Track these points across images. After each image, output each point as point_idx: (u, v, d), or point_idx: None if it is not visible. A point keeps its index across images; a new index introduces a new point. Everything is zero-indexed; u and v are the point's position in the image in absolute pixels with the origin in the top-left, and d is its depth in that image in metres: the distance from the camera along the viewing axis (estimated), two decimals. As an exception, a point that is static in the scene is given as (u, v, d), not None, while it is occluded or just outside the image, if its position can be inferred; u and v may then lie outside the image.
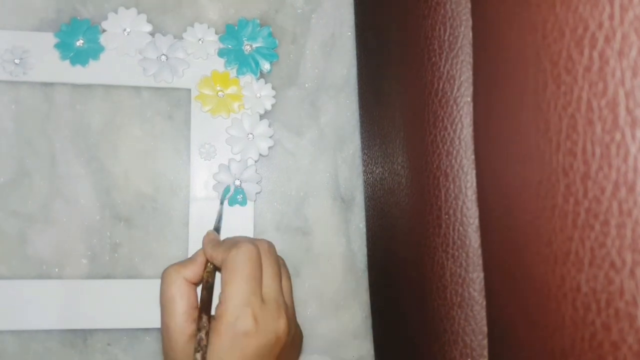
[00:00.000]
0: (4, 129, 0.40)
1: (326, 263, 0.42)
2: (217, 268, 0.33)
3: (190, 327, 0.31)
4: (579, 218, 0.18)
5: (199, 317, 0.31)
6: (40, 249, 0.39)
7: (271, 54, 0.41)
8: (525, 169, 0.21)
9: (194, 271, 0.33)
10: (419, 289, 0.30)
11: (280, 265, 0.34)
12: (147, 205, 0.41)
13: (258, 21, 0.41)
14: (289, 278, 0.35)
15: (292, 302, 0.34)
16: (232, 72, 0.41)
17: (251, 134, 0.41)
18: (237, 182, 0.40)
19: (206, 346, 0.30)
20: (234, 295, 0.30)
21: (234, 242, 0.32)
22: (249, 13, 0.42)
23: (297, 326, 0.35)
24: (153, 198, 0.41)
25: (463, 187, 0.26)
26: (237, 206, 0.40)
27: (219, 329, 0.30)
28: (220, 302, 0.30)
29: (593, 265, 0.18)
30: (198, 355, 0.29)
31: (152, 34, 0.41)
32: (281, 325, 0.31)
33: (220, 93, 0.41)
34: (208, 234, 0.35)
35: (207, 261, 0.33)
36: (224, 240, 0.34)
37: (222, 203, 0.39)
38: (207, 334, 0.30)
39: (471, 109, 0.26)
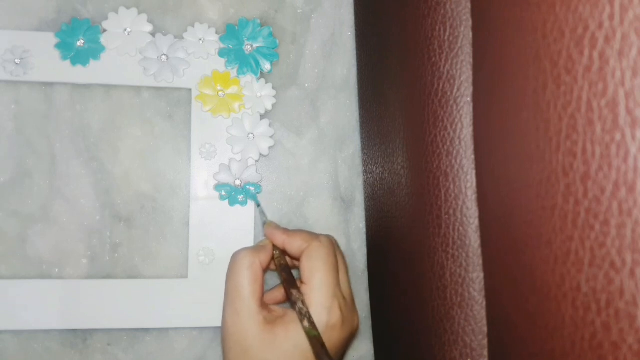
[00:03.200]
0: (4, 129, 0.40)
1: (326, 263, 0.42)
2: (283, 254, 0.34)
3: (262, 313, 0.30)
4: (579, 218, 0.18)
5: (289, 293, 0.30)
6: (40, 249, 0.39)
7: (272, 53, 0.41)
8: (525, 169, 0.21)
9: (267, 257, 0.33)
10: (419, 289, 0.30)
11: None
12: (147, 205, 0.41)
13: (258, 21, 0.41)
14: (347, 272, 0.35)
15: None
16: (233, 72, 0.41)
17: (252, 133, 0.41)
18: (238, 182, 0.40)
19: (308, 312, 0.29)
20: (322, 287, 0.30)
21: (310, 234, 0.33)
22: (249, 13, 0.42)
23: None
24: (153, 198, 0.41)
25: (463, 187, 0.26)
26: (237, 206, 0.40)
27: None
28: (304, 293, 0.30)
29: (593, 265, 0.18)
30: (305, 323, 0.28)
31: (152, 33, 0.41)
32: (356, 319, 0.32)
33: (220, 93, 0.41)
34: (269, 223, 0.36)
35: (273, 248, 0.34)
36: (295, 230, 0.35)
37: (259, 205, 0.40)
38: (304, 302, 0.29)
39: (471, 109, 0.26)
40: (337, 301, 0.30)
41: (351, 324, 0.31)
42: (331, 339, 0.30)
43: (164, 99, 0.41)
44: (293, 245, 0.33)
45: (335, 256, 0.32)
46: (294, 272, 0.34)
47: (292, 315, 0.30)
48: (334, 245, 0.33)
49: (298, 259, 0.34)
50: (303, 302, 0.29)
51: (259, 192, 0.41)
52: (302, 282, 0.32)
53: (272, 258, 0.34)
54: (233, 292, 0.31)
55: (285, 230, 0.35)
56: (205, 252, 0.40)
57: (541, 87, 0.20)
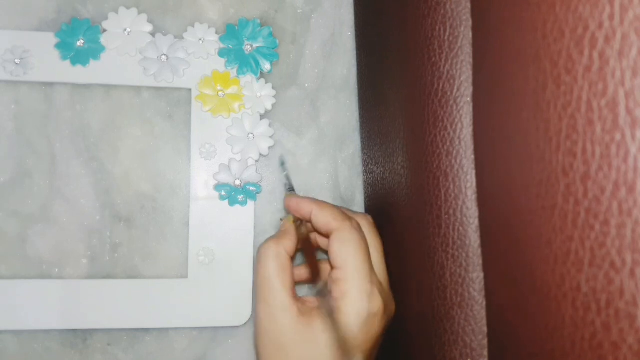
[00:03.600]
0: (4, 129, 0.40)
1: (326, 263, 0.42)
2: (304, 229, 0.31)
3: (296, 305, 0.28)
4: (579, 218, 0.18)
5: (315, 282, 0.28)
6: (40, 249, 0.39)
7: (271, 53, 0.41)
8: (525, 169, 0.21)
9: (292, 241, 0.30)
10: (419, 289, 0.30)
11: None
12: (147, 205, 0.41)
13: (258, 21, 0.41)
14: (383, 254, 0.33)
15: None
16: (233, 72, 0.41)
17: (252, 133, 0.41)
18: (238, 182, 0.40)
19: (334, 301, 0.27)
20: (359, 274, 0.28)
21: (343, 214, 0.30)
22: (249, 13, 0.42)
23: None
24: (153, 198, 0.41)
25: (463, 187, 0.26)
26: (237, 206, 0.40)
27: (345, 308, 0.27)
28: (337, 279, 0.28)
29: (593, 265, 0.18)
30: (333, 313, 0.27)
31: (152, 33, 0.41)
32: (392, 307, 0.30)
33: (220, 93, 0.41)
34: (289, 195, 0.33)
35: (296, 225, 0.31)
36: (324, 202, 0.32)
37: (283, 164, 0.38)
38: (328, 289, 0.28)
39: (471, 109, 0.26)
40: (376, 287, 0.28)
41: (391, 310, 0.29)
42: (374, 328, 0.28)
43: (164, 99, 0.41)
44: (321, 219, 0.30)
45: (366, 240, 0.30)
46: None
47: (333, 305, 0.28)
48: (367, 227, 0.31)
49: (325, 235, 0.31)
50: (325, 299, 0.27)
51: (259, 192, 0.41)
52: (332, 267, 0.30)
53: (299, 239, 0.31)
54: (263, 285, 0.29)
55: (315, 201, 0.31)
56: (205, 252, 0.40)
57: (541, 87, 0.20)
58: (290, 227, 0.32)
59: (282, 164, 0.38)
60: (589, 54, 0.17)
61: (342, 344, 0.26)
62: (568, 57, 0.18)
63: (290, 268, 0.30)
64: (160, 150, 0.41)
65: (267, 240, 0.31)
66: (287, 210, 0.34)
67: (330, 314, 0.27)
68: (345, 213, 0.31)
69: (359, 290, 0.28)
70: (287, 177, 0.37)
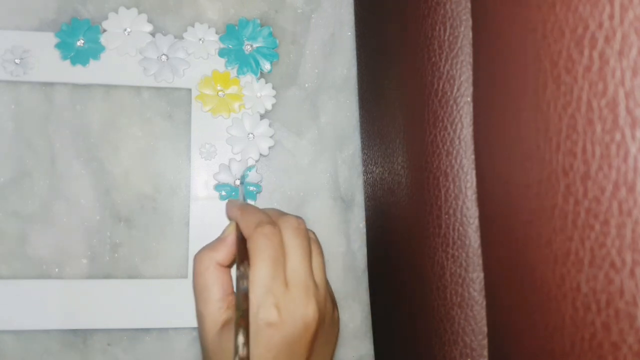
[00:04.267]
0: (4, 129, 0.40)
1: (326, 263, 0.42)
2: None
3: (224, 315, 0.29)
4: (579, 218, 0.18)
5: (239, 266, 0.29)
6: (40, 249, 0.39)
7: (272, 53, 0.41)
8: (525, 169, 0.21)
9: (226, 252, 0.31)
10: (419, 289, 0.30)
11: (309, 243, 0.31)
12: (147, 205, 0.41)
13: (258, 21, 0.41)
14: (320, 254, 0.32)
15: (325, 280, 0.32)
16: (233, 72, 0.41)
17: (252, 133, 0.41)
18: (238, 182, 0.40)
19: (244, 292, 0.28)
20: (255, 283, 0.28)
21: (258, 220, 0.30)
22: (249, 13, 0.42)
23: (334, 304, 0.33)
24: (153, 198, 0.41)
25: (463, 187, 0.26)
26: (237, 206, 0.40)
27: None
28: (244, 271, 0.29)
29: (593, 265, 0.18)
30: (238, 303, 0.27)
31: (152, 33, 0.41)
32: (309, 312, 0.29)
33: (220, 93, 0.41)
34: (230, 200, 0.34)
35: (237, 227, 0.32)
36: (250, 208, 0.32)
37: (242, 183, 0.39)
38: (244, 280, 0.28)
39: (471, 109, 0.26)
40: (272, 297, 0.28)
41: (299, 319, 0.28)
42: (273, 338, 0.28)
43: (164, 99, 0.41)
44: (242, 227, 0.31)
45: (277, 244, 0.29)
46: None
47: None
48: (278, 233, 0.30)
49: None
50: (240, 282, 0.28)
51: (259, 192, 0.41)
52: None
53: (238, 239, 0.31)
54: (196, 294, 0.30)
55: (241, 207, 0.32)
56: (205, 252, 0.40)
57: (541, 87, 0.20)
58: (229, 233, 0.32)
59: (242, 182, 0.39)
60: (589, 54, 0.17)
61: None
62: (568, 57, 0.18)
63: (223, 278, 0.30)
64: (160, 150, 0.41)
65: (202, 250, 0.31)
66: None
67: (239, 304, 0.28)
68: (262, 219, 0.31)
69: (251, 300, 0.28)
70: (242, 195, 0.38)
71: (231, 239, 0.32)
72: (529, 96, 0.21)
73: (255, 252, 0.29)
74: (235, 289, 0.29)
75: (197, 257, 0.31)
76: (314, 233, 0.34)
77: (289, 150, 0.42)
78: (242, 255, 0.30)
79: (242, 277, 0.28)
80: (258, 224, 0.30)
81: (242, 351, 0.26)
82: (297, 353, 0.29)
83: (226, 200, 0.35)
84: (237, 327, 0.27)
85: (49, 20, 0.40)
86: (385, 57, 0.35)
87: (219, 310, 0.30)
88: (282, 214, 0.33)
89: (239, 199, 0.38)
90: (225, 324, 0.29)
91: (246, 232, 0.30)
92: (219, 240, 0.32)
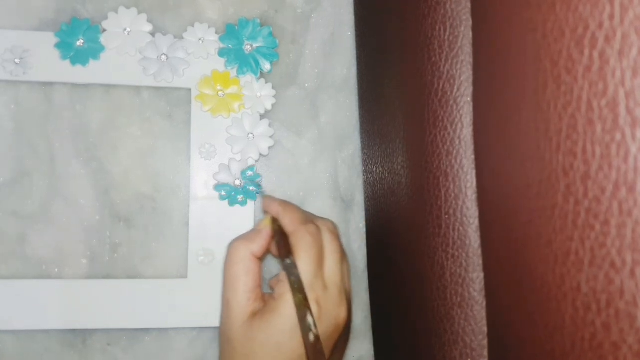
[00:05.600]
0: (4, 129, 0.39)
1: (326, 263, 0.42)
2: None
3: (252, 306, 0.30)
4: (579, 218, 0.18)
5: (283, 258, 0.30)
6: (40, 249, 0.39)
7: (271, 53, 0.41)
8: (525, 169, 0.21)
9: (261, 245, 0.32)
10: (419, 289, 0.30)
11: (343, 248, 0.33)
12: (147, 205, 0.41)
13: (258, 21, 0.41)
14: (347, 261, 0.34)
15: (350, 287, 0.33)
16: (233, 72, 0.41)
17: (251, 133, 0.41)
18: (238, 182, 0.40)
19: (298, 281, 0.29)
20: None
21: (304, 218, 0.31)
22: (249, 13, 0.42)
23: (351, 313, 0.34)
24: (153, 198, 0.41)
25: (463, 187, 0.26)
26: (237, 206, 0.40)
27: (280, 310, 0.29)
28: (281, 281, 0.30)
29: (593, 265, 0.18)
30: (296, 294, 0.28)
31: (152, 33, 0.41)
32: (342, 312, 0.30)
33: (220, 93, 0.41)
34: (266, 196, 0.35)
35: (273, 221, 0.33)
36: (292, 205, 0.33)
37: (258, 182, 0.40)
38: (294, 271, 0.29)
39: (471, 109, 0.26)
40: (314, 293, 0.29)
41: (333, 318, 0.30)
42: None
43: (163, 99, 0.41)
44: (284, 222, 0.32)
45: (320, 244, 0.31)
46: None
47: (272, 305, 0.29)
48: (327, 234, 0.31)
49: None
50: (292, 271, 0.29)
51: (259, 192, 0.41)
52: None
53: (272, 237, 0.32)
54: (227, 283, 0.31)
55: (282, 203, 0.33)
56: (205, 252, 0.40)
57: (541, 87, 0.20)
58: (265, 227, 0.33)
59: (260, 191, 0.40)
60: (589, 54, 0.17)
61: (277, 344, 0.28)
62: (568, 57, 0.18)
63: (255, 270, 0.31)
64: (160, 150, 0.41)
65: (237, 239, 0.32)
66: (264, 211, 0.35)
67: (289, 290, 0.29)
68: (305, 217, 0.32)
69: (277, 295, 0.29)
70: (259, 184, 0.39)
71: (267, 231, 0.32)
72: (529, 96, 0.21)
73: (300, 247, 0.30)
74: (287, 276, 0.30)
75: (232, 246, 0.31)
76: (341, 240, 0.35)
77: (289, 150, 0.42)
78: (287, 247, 0.30)
79: (292, 266, 0.29)
80: (304, 221, 0.31)
81: (314, 330, 0.28)
82: (325, 349, 0.30)
83: (261, 196, 0.36)
84: (303, 310, 0.28)
85: (49, 20, 0.40)
86: (385, 57, 0.35)
87: (247, 300, 0.30)
88: (315, 215, 0.34)
89: (259, 192, 0.38)
90: (254, 315, 0.30)
91: (290, 228, 0.31)
92: (256, 232, 0.32)
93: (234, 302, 0.30)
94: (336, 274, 0.31)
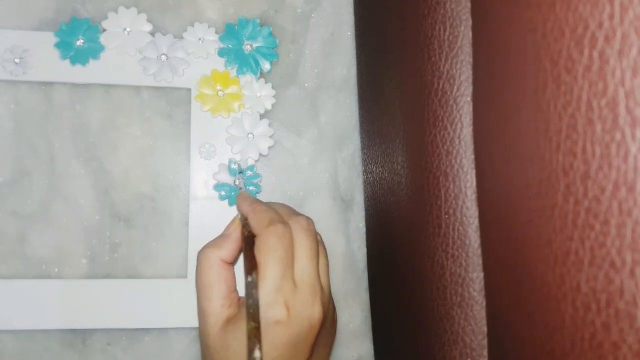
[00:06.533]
0: (4, 129, 0.39)
1: (326, 263, 0.42)
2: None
3: (227, 313, 0.29)
4: (579, 218, 0.18)
5: (249, 274, 0.28)
6: (40, 249, 0.39)
7: (271, 53, 0.41)
8: (525, 169, 0.21)
9: (231, 249, 0.31)
10: (419, 289, 0.30)
11: (318, 244, 0.32)
12: (147, 205, 0.41)
13: (258, 21, 0.41)
14: (326, 257, 0.33)
15: (329, 283, 0.32)
16: (233, 72, 0.41)
17: (251, 133, 0.41)
18: (238, 182, 0.40)
19: (255, 302, 0.28)
20: (265, 282, 0.28)
21: (270, 219, 0.30)
22: (249, 13, 0.42)
23: (333, 307, 0.33)
24: (153, 198, 0.41)
25: (463, 187, 0.26)
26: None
27: (245, 314, 0.28)
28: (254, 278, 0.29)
29: (593, 265, 0.18)
30: (249, 311, 0.27)
31: (152, 33, 0.41)
32: (316, 312, 0.29)
33: (220, 93, 0.41)
34: (242, 193, 0.34)
35: (243, 223, 0.32)
36: (262, 205, 0.32)
37: (240, 172, 0.39)
38: (254, 289, 0.28)
39: (471, 109, 0.26)
40: (282, 296, 0.28)
41: (306, 319, 0.29)
42: (280, 337, 0.28)
43: (163, 99, 0.41)
44: (252, 224, 0.31)
45: (288, 243, 0.29)
46: None
47: (244, 311, 0.29)
48: (289, 233, 0.30)
49: None
50: (251, 293, 0.28)
51: (259, 192, 0.41)
52: None
53: (243, 237, 0.32)
54: (200, 291, 0.31)
55: (252, 203, 0.32)
56: (205, 252, 0.40)
57: (541, 87, 0.20)
58: (235, 229, 0.32)
59: (241, 172, 0.39)
60: (589, 54, 0.17)
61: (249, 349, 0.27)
62: (568, 57, 0.18)
63: (226, 276, 0.30)
64: (160, 150, 0.41)
65: (206, 246, 0.31)
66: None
67: (248, 311, 0.28)
68: (273, 218, 0.31)
69: (261, 299, 0.28)
70: (243, 181, 0.38)
71: (236, 235, 0.32)
72: (529, 96, 0.21)
73: (266, 251, 0.29)
74: (246, 298, 0.29)
75: (201, 255, 0.31)
76: (320, 235, 0.33)
77: (288, 150, 0.42)
78: (252, 262, 0.29)
79: (253, 286, 0.28)
80: (270, 223, 0.30)
81: None
82: (300, 352, 0.29)
83: (240, 192, 0.35)
84: (252, 340, 0.27)
85: (49, 20, 0.40)
86: (385, 57, 0.35)
87: (222, 307, 0.30)
88: (293, 212, 0.33)
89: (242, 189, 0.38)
90: (228, 321, 0.29)
91: (257, 230, 0.31)
92: (224, 237, 0.32)
93: (209, 310, 0.30)
94: (308, 273, 0.30)
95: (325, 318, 0.30)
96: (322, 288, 0.31)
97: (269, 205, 0.33)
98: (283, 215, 0.32)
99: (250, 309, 0.28)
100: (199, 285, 0.31)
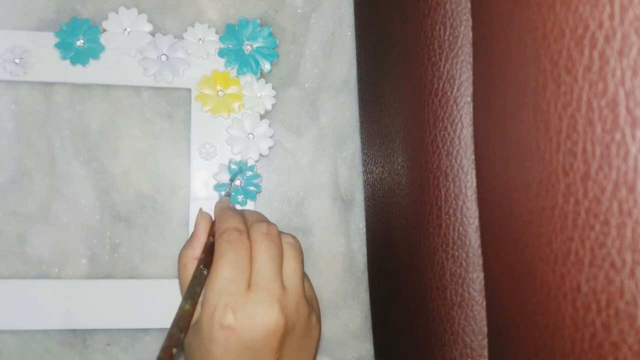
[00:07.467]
0: (4, 129, 0.39)
1: (326, 263, 0.42)
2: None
3: (198, 312, 0.30)
4: (579, 218, 0.18)
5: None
6: (40, 249, 0.39)
7: (271, 53, 0.41)
8: (525, 169, 0.21)
9: (201, 249, 0.32)
10: (419, 289, 0.30)
11: (281, 248, 0.31)
12: (147, 205, 0.41)
13: (258, 21, 0.41)
14: (295, 258, 0.32)
15: (299, 285, 0.31)
16: (233, 72, 0.41)
17: (251, 134, 0.41)
18: (238, 182, 0.40)
19: (195, 294, 0.29)
20: (213, 284, 0.29)
21: (227, 226, 0.31)
22: (249, 13, 0.42)
23: (312, 309, 0.32)
24: (153, 198, 0.41)
25: (463, 187, 0.26)
26: (237, 206, 0.40)
27: (201, 318, 0.29)
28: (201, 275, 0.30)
29: (593, 265, 0.18)
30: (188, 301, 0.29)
31: (152, 33, 0.41)
32: (272, 316, 0.28)
33: (220, 93, 0.41)
34: (223, 199, 0.36)
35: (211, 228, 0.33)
36: (227, 212, 0.33)
37: (231, 180, 0.40)
38: (199, 284, 0.30)
39: (471, 109, 0.26)
40: (228, 299, 0.28)
41: (259, 324, 0.28)
42: (229, 340, 0.28)
43: (163, 99, 0.41)
44: (215, 230, 0.32)
45: (241, 248, 0.30)
46: None
47: (199, 318, 0.29)
48: (243, 238, 0.30)
49: None
50: (197, 283, 0.30)
51: (259, 192, 0.41)
52: None
53: (205, 247, 0.33)
54: (182, 290, 0.32)
55: (219, 210, 0.33)
56: (205, 252, 0.40)
57: (541, 87, 0.20)
58: (201, 230, 0.33)
59: (231, 180, 0.40)
60: (589, 54, 0.17)
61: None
62: (568, 57, 0.18)
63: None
64: (160, 150, 0.41)
65: (183, 249, 0.33)
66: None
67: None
68: (230, 225, 0.31)
69: (207, 302, 0.29)
70: (229, 185, 0.39)
71: (202, 233, 0.33)
72: (529, 96, 0.21)
73: (217, 256, 0.30)
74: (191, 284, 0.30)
75: (180, 255, 0.32)
76: (294, 238, 0.33)
77: (288, 150, 0.42)
78: (206, 260, 0.31)
79: (202, 277, 0.30)
80: (225, 229, 0.31)
81: (182, 338, 0.28)
82: (261, 357, 0.29)
83: (221, 197, 0.37)
84: (183, 320, 0.29)
85: (49, 20, 0.40)
86: (385, 57, 0.35)
87: (192, 306, 0.30)
88: (258, 219, 0.33)
89: (225, 194, 0.39)
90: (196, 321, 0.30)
91: (216, 236, 0.31)
92: (194, 237, 0.33)
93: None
94: (263, 276, 0.29)
95: (290, 322, 0.29)
96: (284, 290, 0.30)
97: (236, 213, 0.33)
98: (248, 221, 0.32)
99: (191, 294, 0.29)
100: (180, 284, 0.32)
